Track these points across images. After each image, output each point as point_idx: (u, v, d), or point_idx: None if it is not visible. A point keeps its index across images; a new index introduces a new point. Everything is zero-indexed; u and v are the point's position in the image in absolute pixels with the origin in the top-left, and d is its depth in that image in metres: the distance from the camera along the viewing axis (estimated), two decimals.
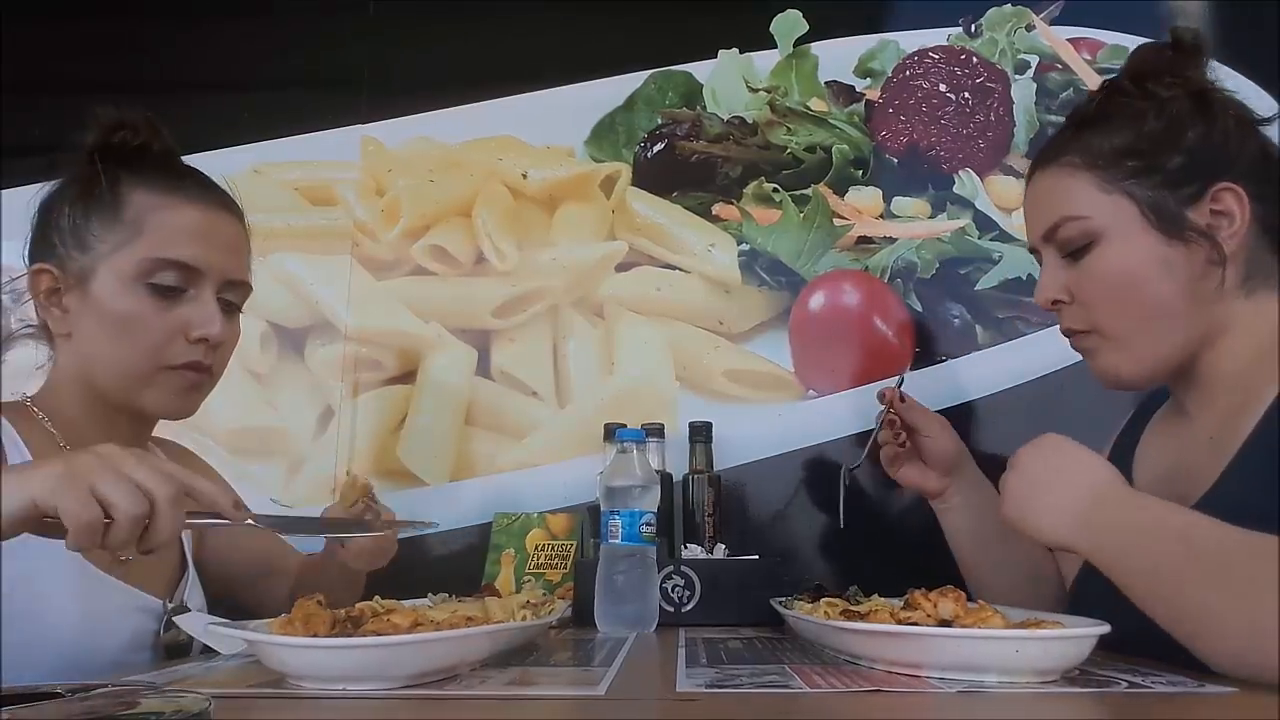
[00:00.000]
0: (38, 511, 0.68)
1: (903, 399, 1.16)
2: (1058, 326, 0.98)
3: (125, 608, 0.97)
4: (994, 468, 1.47)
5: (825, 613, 0.81)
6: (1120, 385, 0.94)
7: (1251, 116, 0.92)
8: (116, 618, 0.95)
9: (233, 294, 1.03)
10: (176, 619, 1.00)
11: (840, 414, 1.56)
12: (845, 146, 1.64)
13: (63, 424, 0.99)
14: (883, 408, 1.18)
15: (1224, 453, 0.85)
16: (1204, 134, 0.89)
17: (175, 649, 1.00)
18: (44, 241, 0.99)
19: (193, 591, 1.07)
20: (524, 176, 1.69)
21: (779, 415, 1.58)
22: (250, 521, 0.77)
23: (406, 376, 1.65)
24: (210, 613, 1.07)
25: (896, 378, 1.19)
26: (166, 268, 0.97)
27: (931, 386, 1.55)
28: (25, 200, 1.03)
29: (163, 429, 1.11)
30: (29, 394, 1.01)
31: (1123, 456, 1.02)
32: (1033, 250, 0.98)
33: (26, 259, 1.02)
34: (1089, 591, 0.80)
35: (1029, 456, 0.83)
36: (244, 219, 1.06)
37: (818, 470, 1.54)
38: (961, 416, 1.53)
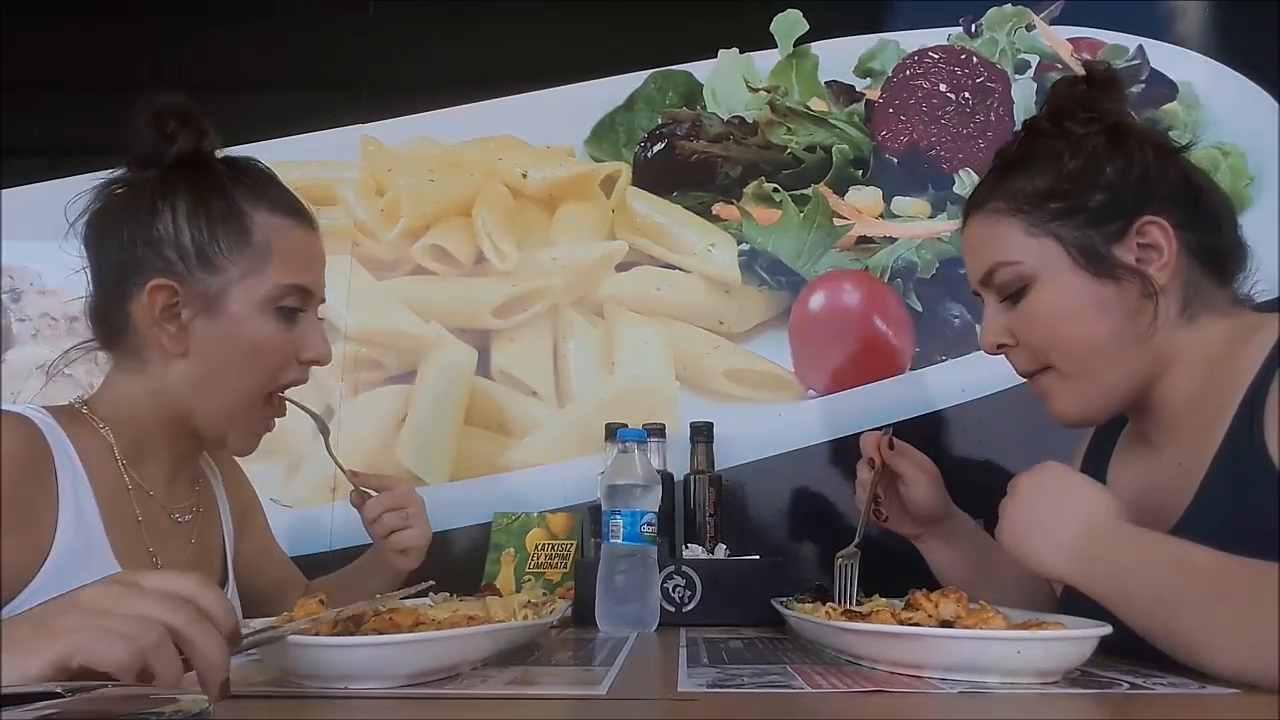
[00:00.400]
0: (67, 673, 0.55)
1: (892, 446, 1.12)
2: None
3: None
4: (992, 471, 1.48)
5: (827, 613, 0.81)
6: (1072, 424, 0.95)
7: (1170, 145, 0.93)
8: None
9: (320, 311, 1.04)
10: None
11: (840, 414, 1.56)
12: (845, 146, 1.64)
13: (127, 434, 0.96)
14: (868, 472, 1.12)
15: (1193, 477, 0.85)
16: (1123, 169, 0.89)
17: None
18: (153, 254, 0.94)
19: (233, 603, 1.06)
20: (524, 176, 1.69)
21: (779, 415, 1.58)
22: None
23: (406, 376, 1.65)
24: None
25: (882, 431, 1.14)
26: (293, 293, 0.97)
27: (931, 387, 1.56)
28: (71, 195, 0.97)
29: None
30: (84, 398, 0.98)
31: (1095, 475, 1.02)
32: (975, 294, 0.99)
33: (103, 265, 0.96)
34: (1079, 602, 0.81)
35: (1028, 485, 0.82)
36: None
37: (818, 470, 1.54)
38: (961, 417, 1.53)
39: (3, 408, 0.91)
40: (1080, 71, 0.97)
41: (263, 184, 0.99)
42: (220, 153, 0.99)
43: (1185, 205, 0.89)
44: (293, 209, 1.00)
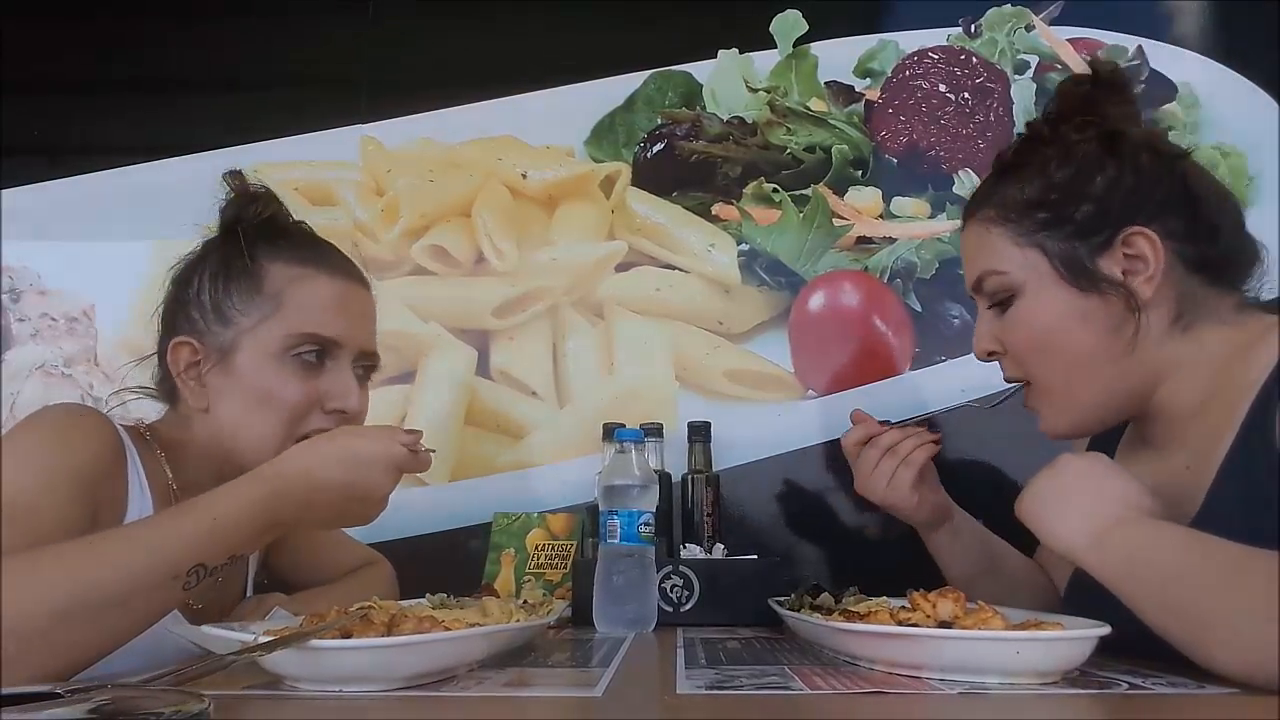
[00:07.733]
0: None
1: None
2: None
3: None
4: (992, 472, 1.48)
5: (826, 613, 0.81)
6: (1062, 438, 0.96)
7: (1171, 150, 0.92)
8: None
9: (365, 363, 1.04)
10: (172, 627, 1.00)
11: (840, 414, 1.55)
12: (845, 147, 1.64)
13: (177, 468, 0.99)
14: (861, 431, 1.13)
15: (1204, 477, 0.85)
16: (1114, 178, 0.89)
17: None
18: (182, 315, 1.00)
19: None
20: (524, 176, 1.69)
21: (779, 415, 1.58)
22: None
23: (406, 376, 1.65)
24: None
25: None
26: (308, 341, 0.98)
27: (931, 388, 1.55)
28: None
29: None
30: (145, 421, 1.01)
31: None
32: (971, 297, 0.99)
33: (159, 330, 1.03)
34: (1080, 600, 0.80)
35: (1069, 463, 0.82)
36: (370, 288, 1.07)
37: (817, 470, 1.54)
38: (961, 417, 1.53)
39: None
40: (1085, 70, 0.96)
41: (291, 240, 1.02)
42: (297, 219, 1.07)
43: (1181, 214, 0.88)
44: (320, 261, 1.01)
